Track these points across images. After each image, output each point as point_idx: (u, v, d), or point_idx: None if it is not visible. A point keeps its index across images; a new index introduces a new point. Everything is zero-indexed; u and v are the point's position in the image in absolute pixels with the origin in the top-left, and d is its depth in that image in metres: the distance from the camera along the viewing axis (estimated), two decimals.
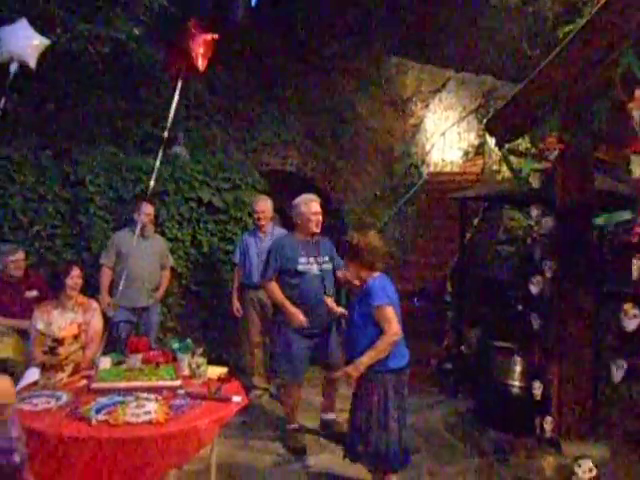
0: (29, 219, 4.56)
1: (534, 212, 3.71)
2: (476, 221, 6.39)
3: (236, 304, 4.60)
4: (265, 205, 4.52)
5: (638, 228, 2.47)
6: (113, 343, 3.95)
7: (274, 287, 3.58)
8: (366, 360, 2.58)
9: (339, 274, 3.65)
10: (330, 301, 3.46)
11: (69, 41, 4.44)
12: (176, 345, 3.16)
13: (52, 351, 2.88)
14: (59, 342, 2.92)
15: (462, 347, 5.08)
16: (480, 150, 7.88)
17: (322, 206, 3.70)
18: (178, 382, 2.80)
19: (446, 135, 8.57)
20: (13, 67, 3.64)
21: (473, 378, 4.71)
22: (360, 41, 8.58)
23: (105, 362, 3.04)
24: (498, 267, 5.61)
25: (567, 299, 3.49)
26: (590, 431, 3.74)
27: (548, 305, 3.67)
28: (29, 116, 5.21)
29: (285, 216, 6.25)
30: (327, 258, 3.67)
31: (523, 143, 5.42)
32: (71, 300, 3.31)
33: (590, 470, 2.90)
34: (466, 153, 8.32)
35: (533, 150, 4.75)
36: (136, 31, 4.71)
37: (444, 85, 8.60)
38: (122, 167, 5.01)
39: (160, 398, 2.59)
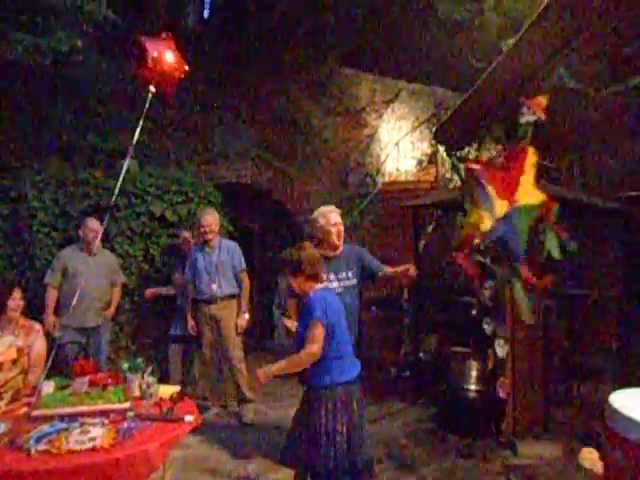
0: None
1: None
2: (430, 228, 6.50)
3: (191, 321, 4.47)
4: (211, 219, 4.43)
5: None
6: (59, 366, 3.76)
7: None
8: (275, 369, 2.53)
9: (380, 274, 3.43)
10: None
11: (7, 51, 4.26)
12: (126, 365, 3.04)
13: None
14: None
15: (420, 354, 5.14)
16: (433, 159, 8.04)
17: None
18: (127, 404, 2.69)
19: (400, 145, 8.70)
20: None
21: (431, 384, 4.77)
22: (314, 52, 8.64)
23: (48, 387, 2.89)
24: (452, 273, 5.71)
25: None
26: (544, 431, 3.86)
27: (499, 309, 3.75)
28: None
29: (241, 228, 6.17)
30: (351, 273, 3.41)
31: (472, 151, 5.56)
32: (11, 323, 3.14)
33: None
34: (420, 162, 8.46)
35: (481, 158, 4.87)
36: (79, 43, 4.56)
37: (397, 96, 8.74)
38: (67, 181, 4.84)
39: (107, 422, 2.47)
